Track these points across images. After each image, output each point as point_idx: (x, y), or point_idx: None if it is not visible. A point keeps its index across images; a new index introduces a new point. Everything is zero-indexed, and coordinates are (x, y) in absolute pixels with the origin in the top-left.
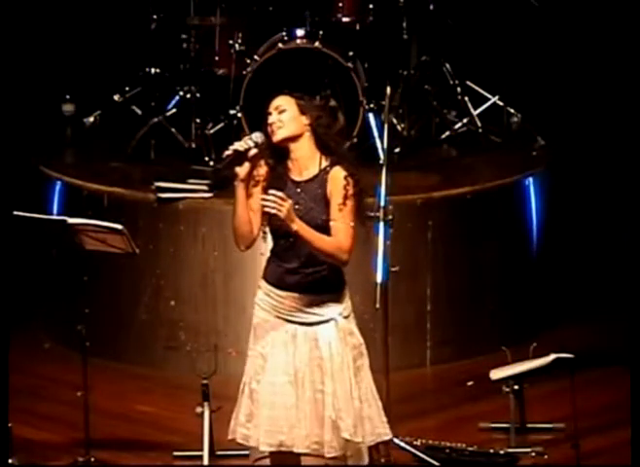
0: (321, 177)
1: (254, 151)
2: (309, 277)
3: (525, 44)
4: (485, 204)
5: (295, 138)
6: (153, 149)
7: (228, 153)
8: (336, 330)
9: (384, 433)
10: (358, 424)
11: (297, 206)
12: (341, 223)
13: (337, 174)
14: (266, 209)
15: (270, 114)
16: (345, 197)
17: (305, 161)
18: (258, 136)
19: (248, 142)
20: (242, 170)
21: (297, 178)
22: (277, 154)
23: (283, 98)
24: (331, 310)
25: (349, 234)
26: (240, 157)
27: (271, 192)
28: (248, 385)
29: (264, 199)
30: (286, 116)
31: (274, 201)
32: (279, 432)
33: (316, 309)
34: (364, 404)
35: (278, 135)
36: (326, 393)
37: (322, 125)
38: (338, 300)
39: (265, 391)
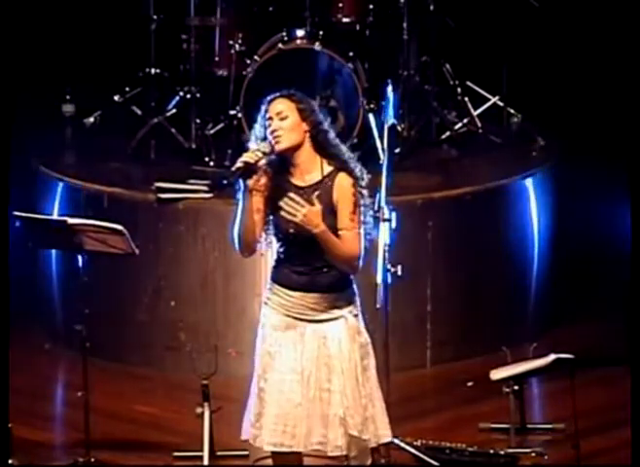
0: (326, 183)
1: (263, 161)
2: (319, 278)
3: (525, 44)
4: (485, 204)
5: (296, 146)
6: (153, 149)
7: (238, 165)
8: (345, 327)
9: (385, 435)
10: (364, 422)
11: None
12: (353, 231)
13: (345, 182)
14: (283, 214)
15: (272, 119)
16: (355, 205)
17: (307, 165)
18: (265, 146)
19: (257, 153)
20: (252, 181)
21: (299, 183)
22: (278, 160)
23: (284, 103)
24: (340, 309)
25: (360, 242)
26: (250, 168)
27: (291, 196)
28: (257, 384)
29: (284, 205)
30: (287, 123)
31: (292, 207)
32: (283, 431)
33: (326, 308)
34: (368, 404)
35: (282, 144)
36: (332, 392)
37: (322, 132)
38: (348, 298)
39: (272, 390)
